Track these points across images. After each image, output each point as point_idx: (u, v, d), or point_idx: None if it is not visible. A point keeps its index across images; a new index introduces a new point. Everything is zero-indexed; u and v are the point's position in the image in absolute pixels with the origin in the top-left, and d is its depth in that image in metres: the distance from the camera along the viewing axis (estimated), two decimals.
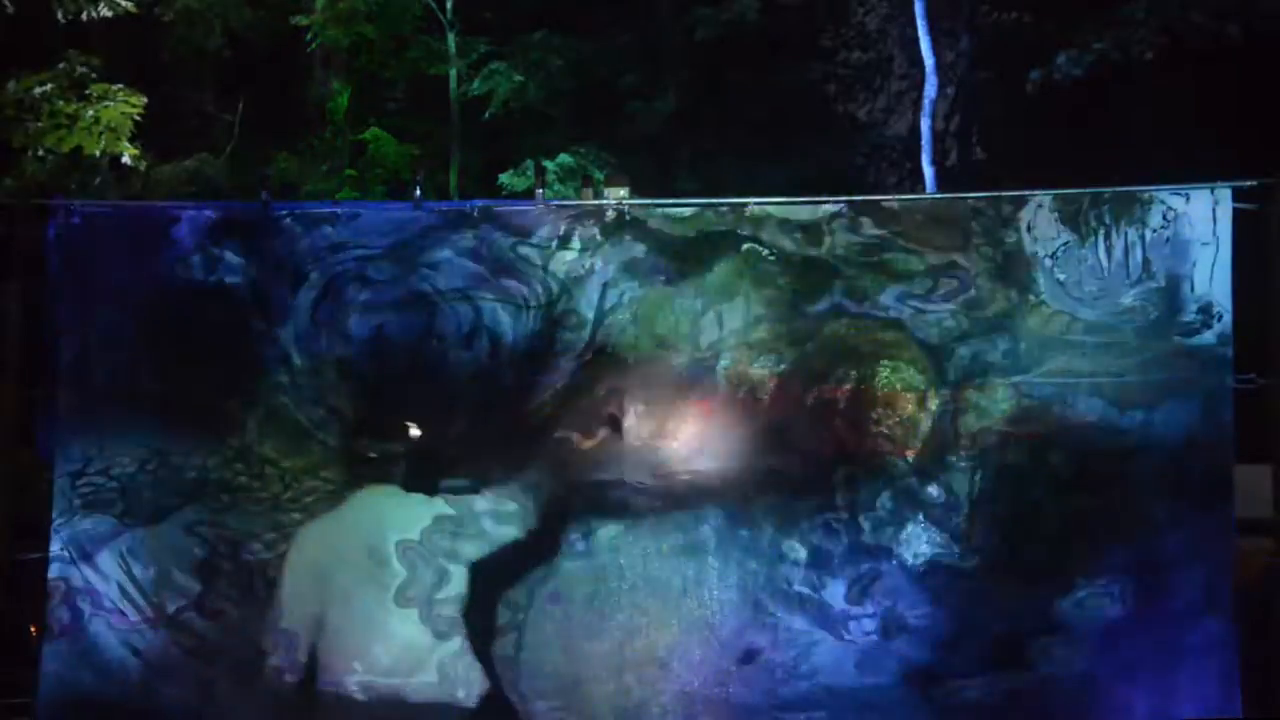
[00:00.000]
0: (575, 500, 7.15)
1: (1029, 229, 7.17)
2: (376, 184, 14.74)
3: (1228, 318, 7.04)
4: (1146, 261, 7.10)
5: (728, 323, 7.21)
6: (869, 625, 7.07)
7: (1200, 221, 7.08)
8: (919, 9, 13.89)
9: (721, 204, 7.36)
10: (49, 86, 11.11)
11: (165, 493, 7.17)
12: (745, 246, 7.24)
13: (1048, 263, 7.14)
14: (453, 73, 14.94)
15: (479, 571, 7.11)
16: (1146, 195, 7.15)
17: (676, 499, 7.15)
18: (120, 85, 11.33)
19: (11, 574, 7.30)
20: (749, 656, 7.09)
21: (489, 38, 14.93)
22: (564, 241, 7.28)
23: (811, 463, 7.14)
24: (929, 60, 13.93)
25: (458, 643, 7.05)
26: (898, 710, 7.02)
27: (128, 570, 7.13)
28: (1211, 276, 7.05)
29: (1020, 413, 7.09)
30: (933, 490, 7.10)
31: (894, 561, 7.08)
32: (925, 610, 7.05)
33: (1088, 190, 7.20)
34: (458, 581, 7.09)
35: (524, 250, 7.26)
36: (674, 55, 15.71)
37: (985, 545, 7.06)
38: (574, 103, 14.97)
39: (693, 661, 7.10)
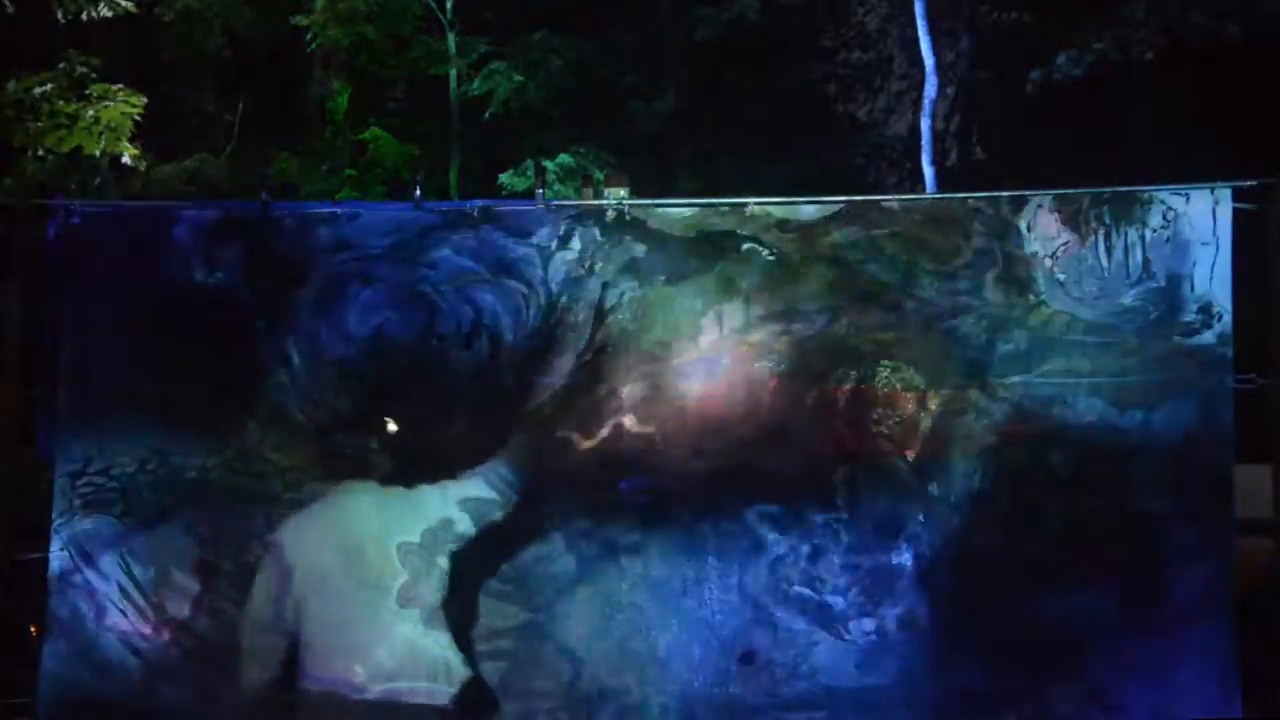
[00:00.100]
0: (575, 500, 7.14)
1: (1029, 229, 7.16)
2: (376, 184, 14.77)
3: (1228, 318, 7.04)
4: (1146, 261, 7.09)
5: (728, 323, 7.21)
6: (869, 625, 7.07)
7: (1200, 221, 7.08)
8: (919, 9, 13.91)
9: (721, 204, 7.36)
10: (49, 86, 11.12)
11: (165, 493, 7.16)
12: (745, 246, 7.24)
13: (1048, 263, 7.14)
14: (453, 73, 14.96)
15: (479, 571, 7.11)
16: (1146, 195, 7.15)
17: (676, 499, 7.14)
18: (120, 85, 11.34)
19: (11, 574, 7.30)
20: (749, 656, 7.09)
21: (489, 38, 14.96)
22: (564, 241, 7.27)
23: (811, 463, 7.14)
24: (929, 60, 13.95)
25: (459, 643, 7.04)
26: (898, 710, 7.02)
27: (128, 570, 7.13)
28: (1211, 276, 7.05)
29: (1020, 413, 7.09)
30: (933, 490, 7.10)
31: (894, 561, 7.08)
32: (925, 610, 7.05)
33: (1088, 190, 7.20)
34: (458, 582, 7.09)
35: (524, 250, 7.25)
36: (674, 55, 15.73)
37: (985, 545, 7.05)
38: (574, 103, 15.00)
39: (693, 661, 7.10)
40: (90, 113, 11.08)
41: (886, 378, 7.16)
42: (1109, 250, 7.11)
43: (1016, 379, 7.10)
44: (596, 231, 7.28)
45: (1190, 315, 7.05)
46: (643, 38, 15.65)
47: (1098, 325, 7.09)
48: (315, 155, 15.13)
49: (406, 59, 15.17)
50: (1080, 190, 7.20)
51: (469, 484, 7.07)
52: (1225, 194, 7.09)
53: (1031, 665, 6.99)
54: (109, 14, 11.53)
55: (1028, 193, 7.23)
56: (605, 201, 7.39)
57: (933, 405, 7.13)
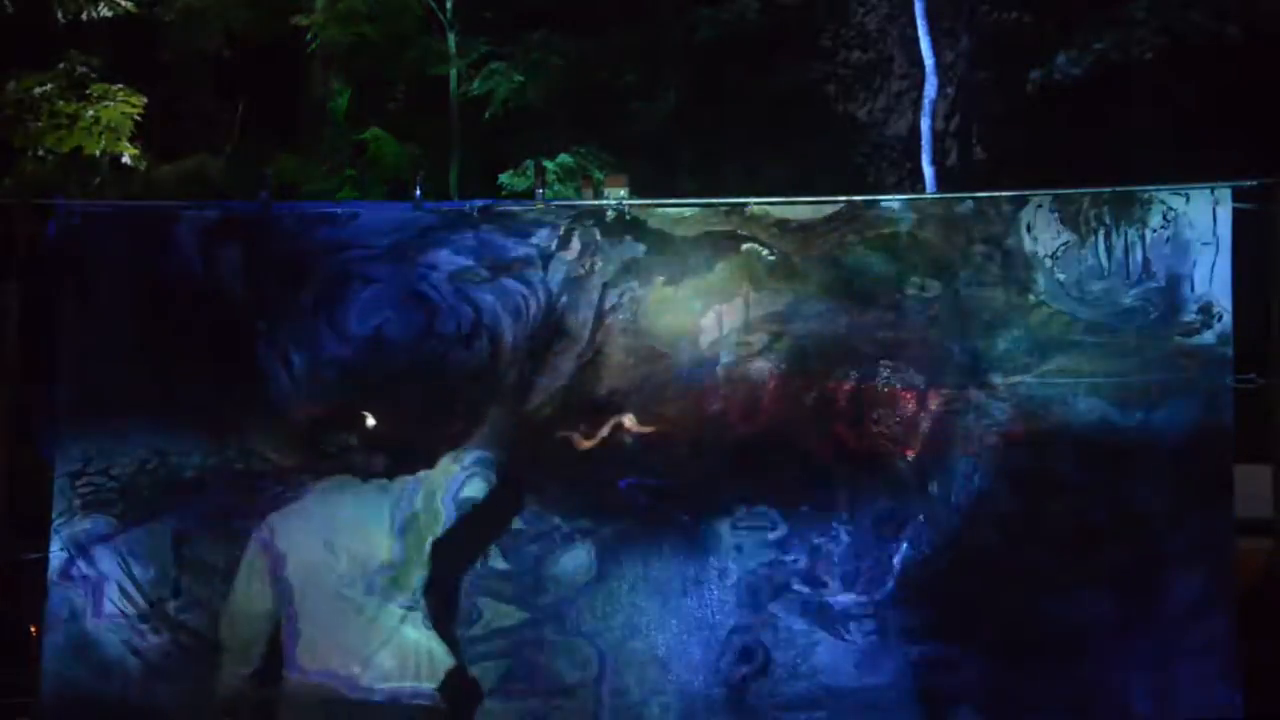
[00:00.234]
0: (575, 500, 7.14)
1: (1029, 229, 7.16)
2: (376, 184, 14.76)
3: (1228, 318, 7.03)
4: (1146, 261, 7.09)
5: (728, 323, 7.21)
6: (869, 625, 7.07)
7: (1200, 221, 7.07)
8: (919, 9, 13.90)
9: (721, 204, 7.35)
10: (49, 86, 11.14)
11: (165, 492, 7.16)
12: (745, 246, 7.23)
13: (1048, 263, 7.13)
14: (453, 73, 14.95)
15: (479, 571, 7.11)
16: (1146, 195, 7.15)
17: (676, 499, 7.14)
18: (120, 85, 11.35)
19: (11, 574, 7.31)
20: (749, 656, 7.08)
21: (489, 38, 14.94)
22: (564, 242, 7.27)
23: (811, 462, 7.14)
24: (929, 60, 13.94)
25: (459, 643, 7.04)
26: (898, 710, 7.02)
27: (127, 570, 7.12)
28: (1211, 276, 7.04)
29: (1020, 413, 7.09)
30: (933, 490, 7.10)
31: (894, 561, 7.08)
32: (926, 610, 7.05)
33: (1088, 190, 7.20)
34: (457, 582, 7.09)
35: (524, 250, 7.25)
36: (674, 55, 15.72)
37: (985, 545, 7.05)
38: (574, 103, 14.99)
39: (693, 661, 7.10)
40: (90, 113, 11.10)
41: (886, 378, 7.16)
42: (1109, 250, 7.11)
43: (1017, 379, 7.10)
44: (596, 231, 7.28)
45: (1190, 315, 7.05)
46: (643, 38, 15.64)
47: (1098, 325, 7.08)
48: (315, 155, 15.12)
49: (406, 59, 15.16)
50: (1080, 190, 7.20)
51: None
52: (1225, 194, 7.08)
53: (1032, 665, 6.99)
54: (109, 14, 11.55)
55: (1028, 193, 7.23)
56: (605, 201, 7.39)
57: (933, 405, 7.13)
